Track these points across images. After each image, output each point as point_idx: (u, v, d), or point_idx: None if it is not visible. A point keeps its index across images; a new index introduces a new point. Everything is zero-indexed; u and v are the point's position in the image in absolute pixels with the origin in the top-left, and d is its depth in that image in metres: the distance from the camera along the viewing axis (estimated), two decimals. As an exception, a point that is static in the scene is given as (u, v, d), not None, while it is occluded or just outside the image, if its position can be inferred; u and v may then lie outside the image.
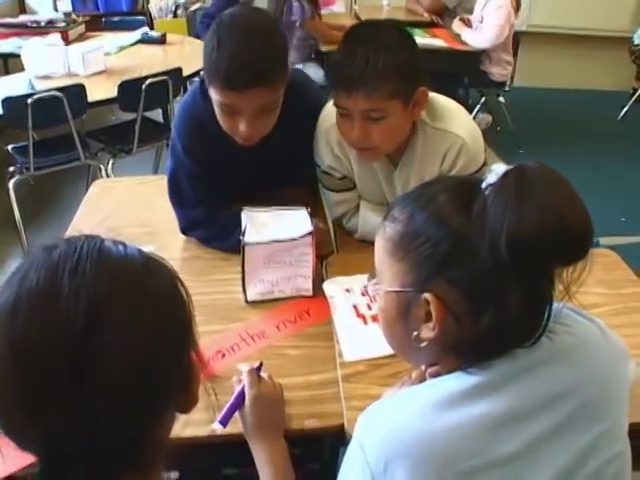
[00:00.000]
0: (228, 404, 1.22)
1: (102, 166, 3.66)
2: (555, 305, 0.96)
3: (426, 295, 0.87)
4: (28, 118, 3.14)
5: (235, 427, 1.22)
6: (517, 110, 5.23)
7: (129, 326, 0.66)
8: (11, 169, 3.49)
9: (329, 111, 1.71)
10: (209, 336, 1.47)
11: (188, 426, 1.22)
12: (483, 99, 4.95)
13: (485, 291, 0.84)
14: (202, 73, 1.57)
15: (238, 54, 1.43)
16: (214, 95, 1.51)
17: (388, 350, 1.32)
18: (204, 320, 1.47)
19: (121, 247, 0.73)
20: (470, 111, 4.96)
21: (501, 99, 4.98)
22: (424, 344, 0.90)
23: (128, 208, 2.05)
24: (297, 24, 4.39)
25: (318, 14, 4.47)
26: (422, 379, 1.18)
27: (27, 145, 3.31)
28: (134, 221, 1.95)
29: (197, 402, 0.80)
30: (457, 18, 4.93)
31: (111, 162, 3.68)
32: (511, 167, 0.85)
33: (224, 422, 1.21)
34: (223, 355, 1.45)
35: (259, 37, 1.45)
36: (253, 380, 1.25)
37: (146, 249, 0.77)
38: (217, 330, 1.51)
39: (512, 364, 0.87)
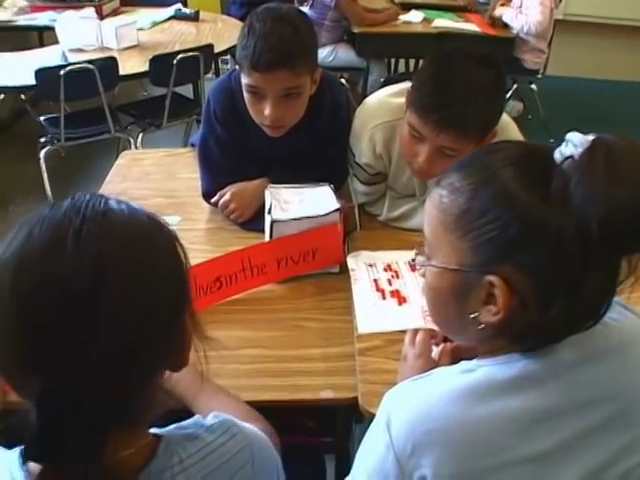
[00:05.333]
0: None
1: (131, 139, 3.71)
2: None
3: (491, 278, 0.80)
4: (60, 89, 3.18)
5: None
6: (549, 99, 5.15)
7: (131, 287, 0.67)
8: (42, 140, 3.54)
9: (378, 109, 1.72)
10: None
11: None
12: (515, 86, 4.88)
13: (559, 280, 0.77)
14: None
15: (265, 38, 1.53)
16: (243, 80, 1.61)
17: (403, 326, 1.34)
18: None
19: (124, 207, 0.73)
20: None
21: (533, 87, 4.92)
22: (482, 326, 0.84)
23: (155, 178, 2.07)
24: (331, 4, 4.38)
25: (352, -5, 4.45)
26: (450, 358, 1.15)
27: (59, 116, 3.35)
28: (160, 191, 1.97)
29: (187, 363, 0.80)
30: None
31: (140, 136, 3.72)
32: (591, 139, 0.77)
33: None
34: (220, 285, 1.46)
35: (286, 25, 1.55)
36: None
37: (171, 219, 0.78)
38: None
39: (559, 357, 0.83)
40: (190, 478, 0.75)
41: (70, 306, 0.63)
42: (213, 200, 1.83)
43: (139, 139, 3.71)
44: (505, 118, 1.62)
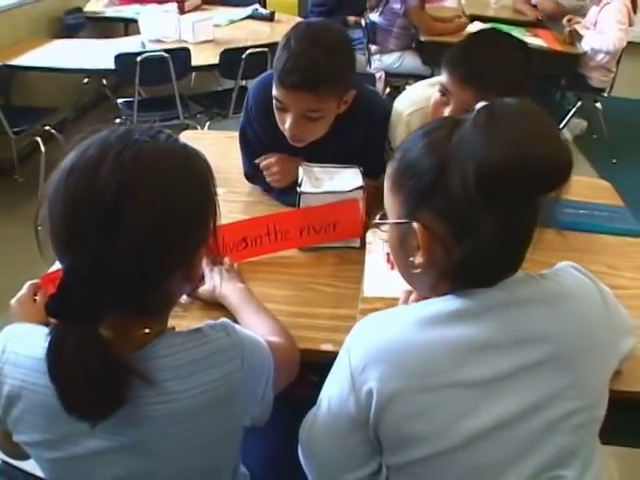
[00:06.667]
0: None
1: (199, 127, 3.93)
2: (563, 262, 1.04)
3: (414, 224, 0.94)
4: (136, 74, 3.44)
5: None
6: (615, 120, 5.11)
7: (149, 205, 0.84)
8: (117, 121, 3.80)
9: (416, 97, 1.84)
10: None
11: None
12: (579, 103, 4.88)
13: (462, 220, 0.89)
14: None
15: (296, 58, 1.55)
16: (273, 88, 1.66)
17: (405, 294, 1.45)
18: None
19: (171, 140, 0.92)
20: (565, 114, 4.93)
21: (598, 105, 4.90)
22: (418, 270, 0.97)
23: (207, 156, 2.23)
24: (400, 12, 4.52)
25: (422, 4, 4.58)
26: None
27: (134, 100, 3.61)
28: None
29: (196, 282, 1.00)
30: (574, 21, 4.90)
31: (207, 124, 3.95)
32: (485, 103, 0.90)
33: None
34: (245, 245, 1.62)
35: (320, 49, 1.55)
36: None
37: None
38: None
39: (495, 296, 0.93)
40: (189, 357, 0.92)
41: (97, 211, 0.82)
42: (257, 160, 1.94)
43: (206, 127, 3.93)
44: None
